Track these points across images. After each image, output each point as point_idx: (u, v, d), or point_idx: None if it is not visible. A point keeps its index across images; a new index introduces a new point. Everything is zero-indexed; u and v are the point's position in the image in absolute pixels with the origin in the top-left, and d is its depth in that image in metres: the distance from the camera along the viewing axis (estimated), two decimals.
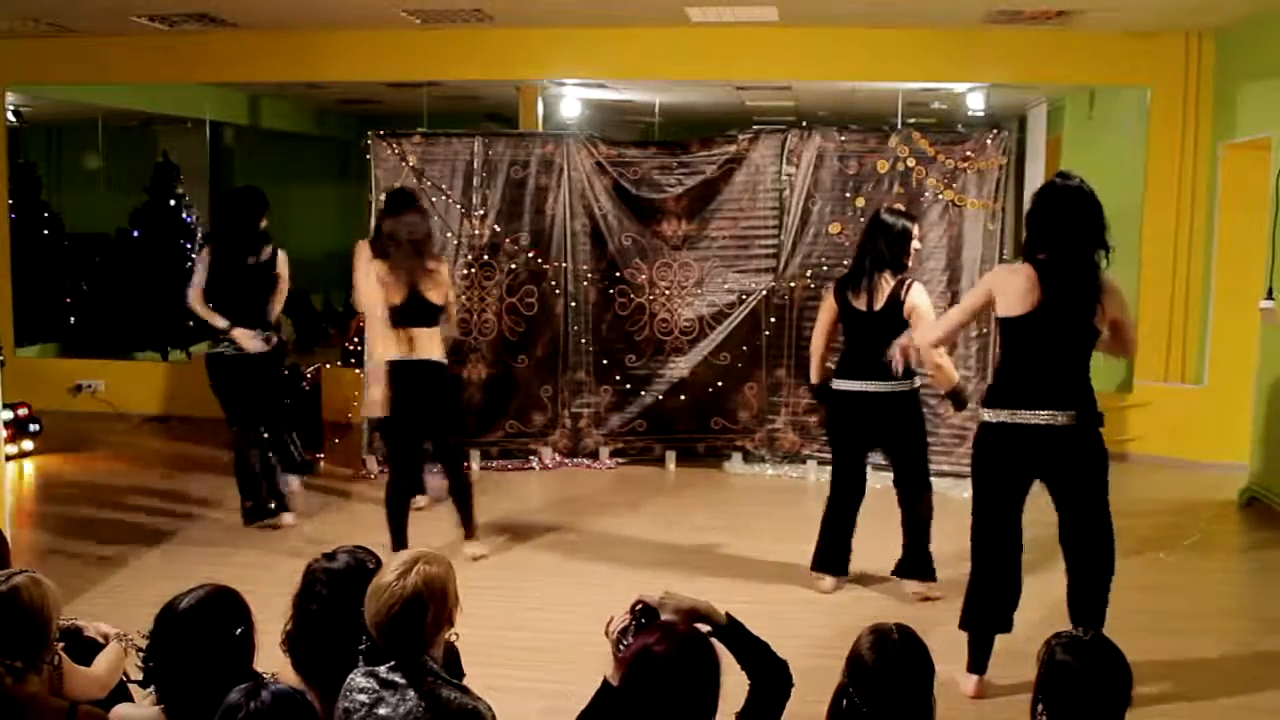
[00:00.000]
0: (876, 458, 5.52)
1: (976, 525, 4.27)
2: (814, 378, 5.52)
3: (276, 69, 9.14)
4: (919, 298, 5.07)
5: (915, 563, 5.33)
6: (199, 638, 2.58)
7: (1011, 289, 4.05)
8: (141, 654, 2.66)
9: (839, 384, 5.25)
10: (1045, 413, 4.04)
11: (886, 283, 5.08)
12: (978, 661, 4.27)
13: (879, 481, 5.79)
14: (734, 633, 2.61)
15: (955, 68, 8.48)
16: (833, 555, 5.40)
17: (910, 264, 5.18)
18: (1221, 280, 7.91)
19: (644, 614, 2.53)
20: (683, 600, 2.59)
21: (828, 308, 5.33)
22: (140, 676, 2.68)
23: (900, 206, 6.13)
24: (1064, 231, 4.01)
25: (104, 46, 8.96)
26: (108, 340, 11.13)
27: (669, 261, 7.75)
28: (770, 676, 2.59)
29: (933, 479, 5.41)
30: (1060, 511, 4.21)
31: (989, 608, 4.23)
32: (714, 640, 2.52)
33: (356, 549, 2.92)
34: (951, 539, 5.39)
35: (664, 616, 2.53)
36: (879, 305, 5.08)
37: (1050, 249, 4.03)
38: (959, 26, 8.05)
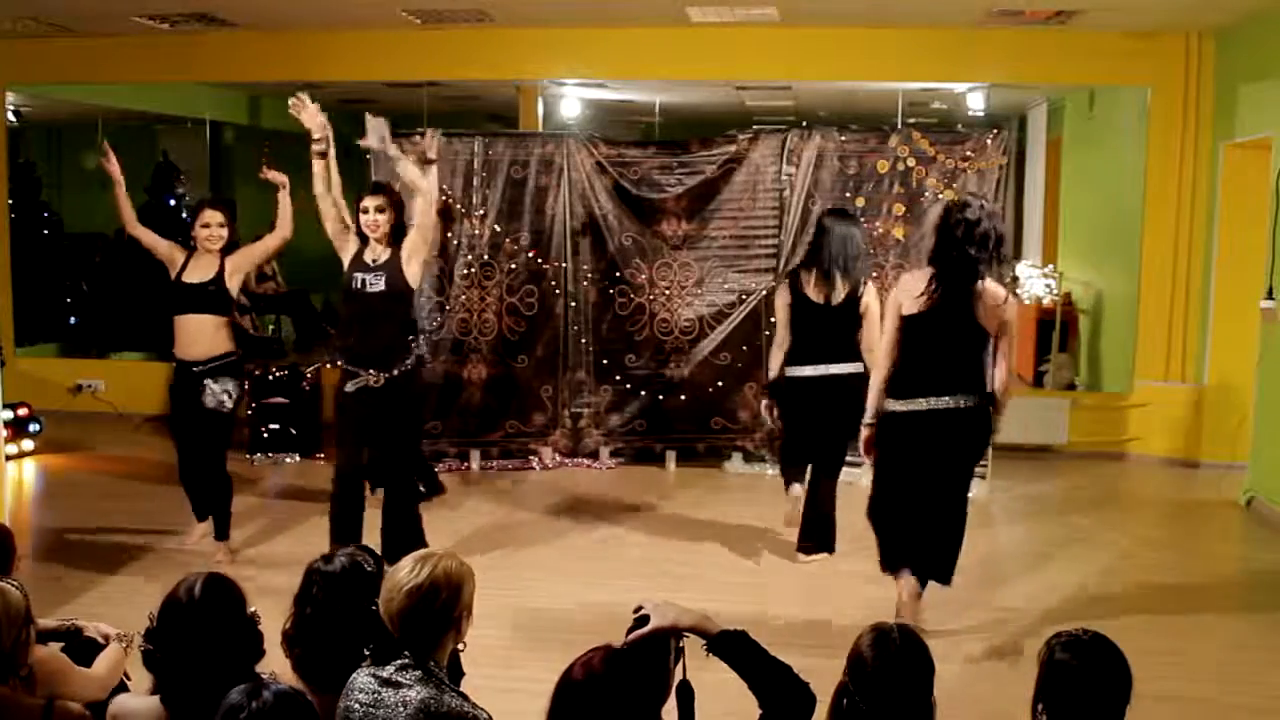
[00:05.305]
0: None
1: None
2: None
3: (276, 69, 9.12)
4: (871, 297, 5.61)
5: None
6: (203, 622, 2.57)
7: None
8: (143, 636, 2.65)
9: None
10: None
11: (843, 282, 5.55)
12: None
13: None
14: (731, 648, 2.43)
15: (955, 68, 8.48)
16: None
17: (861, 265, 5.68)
18: (1221, 280, 7.90)
19: (639, 622, 2.45)
20: (668, 612, 2.45)
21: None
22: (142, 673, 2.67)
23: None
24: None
25: (104, 46, 8.95)
26: (108, 340, 11.12)
27: (669, 261, 7.75)
28: (781, 699, 2.39)
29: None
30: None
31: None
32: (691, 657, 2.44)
33: (355, 549, 2.92)
34: None
35: (650, 624, 2.43)
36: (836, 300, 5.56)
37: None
38: (959, 26, 8.04)
